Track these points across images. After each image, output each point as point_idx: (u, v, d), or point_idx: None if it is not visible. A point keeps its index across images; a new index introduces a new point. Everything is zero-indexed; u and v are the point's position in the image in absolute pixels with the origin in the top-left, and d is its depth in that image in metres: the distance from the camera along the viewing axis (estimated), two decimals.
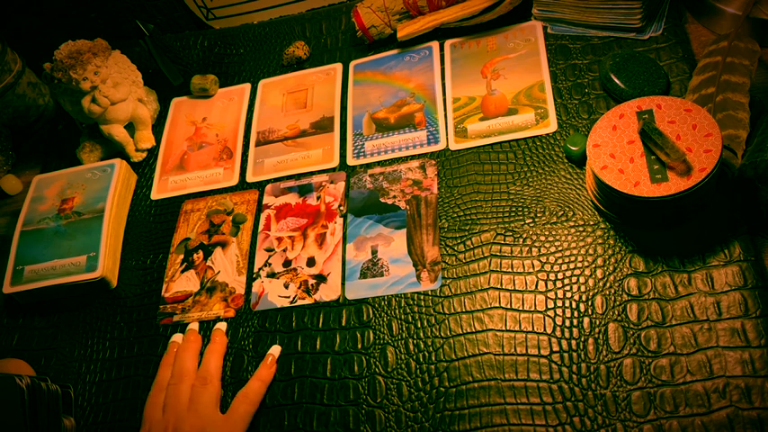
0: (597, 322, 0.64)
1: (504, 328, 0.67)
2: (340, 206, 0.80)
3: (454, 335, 0.68)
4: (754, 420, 0.56)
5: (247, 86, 0.98)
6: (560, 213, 0.71)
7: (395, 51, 0.92)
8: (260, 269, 0.79)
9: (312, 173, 0.85)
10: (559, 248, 0.69)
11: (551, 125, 0.78)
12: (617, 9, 0.80)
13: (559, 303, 0.66)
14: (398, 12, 0.91)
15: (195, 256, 0.82)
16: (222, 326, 0.75)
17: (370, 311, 0.72)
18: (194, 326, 0.76)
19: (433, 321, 0.69)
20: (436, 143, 0.82)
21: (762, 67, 0.74)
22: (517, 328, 0.66)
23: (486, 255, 0.71)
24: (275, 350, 0.72)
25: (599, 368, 0.62)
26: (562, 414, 0.61)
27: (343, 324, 0.72)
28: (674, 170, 0.62)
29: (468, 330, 0.67)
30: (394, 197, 0.79)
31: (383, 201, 0.79)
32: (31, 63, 1.04)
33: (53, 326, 0.83)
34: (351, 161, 0.84)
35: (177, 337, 0.76)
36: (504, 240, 0.72)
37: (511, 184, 0.75)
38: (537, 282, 0.68)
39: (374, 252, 0.75)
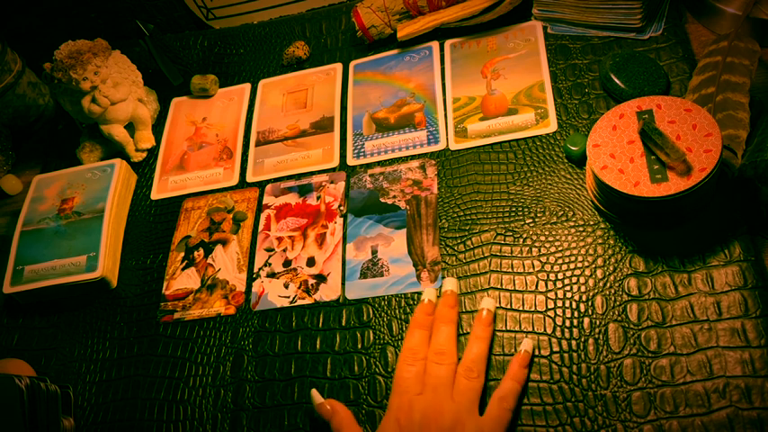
0: (597, 322, 0.64)
1: (504, 329, 0.66)
2: (340, 206, 0.80)
3: None
4: (754, 420, 0.56)
5: (247, 86, 0.98)
6: (560, 213, 0.71)
7: (395, 51, 0.92)
8: (260, 269, 0.79)
9: (312, 173, 0.85)
10: (559, 248, 0.69)
11: (551, 125, 0.78)
12: (617, 9, 0.80)
13: (559, 304, 0.66)
14: (398, 12, 0.91)
15: (196, 253, 0.82)
16: (528, 346, 0.64)
17: (370, 311, 0.72)
18: (455, 287, 0.68)
19: None
20: (436, 143, 0.82)
21: (762, 67, 0.74)
22: (517, 329, 0.66)
23: (486, 255, 0.71)
24: (528, 345, 0.64)
25: (599, 368, 0.62)
26: (562, 414, 0.61)
27: (343, 324, 0.72)
28: (674, 170, 0.62)
29: (469, 331, 0.67)
30: (394, 197, 0.79)
31: (383, 201, 0.79)
32: (31, 63, 1.04)
33: (53, 326, 0.83)
34: (351, 161, 0.84)
35: (432, 295, 0.68)
36: (504, 240, 0.72)
37: (511, 184, 0.75)
38: (537, 282, 0.68)
39: (374, 252, 0.75)
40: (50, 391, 0.71)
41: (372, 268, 0.74)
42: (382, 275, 0.73)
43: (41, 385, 0.70)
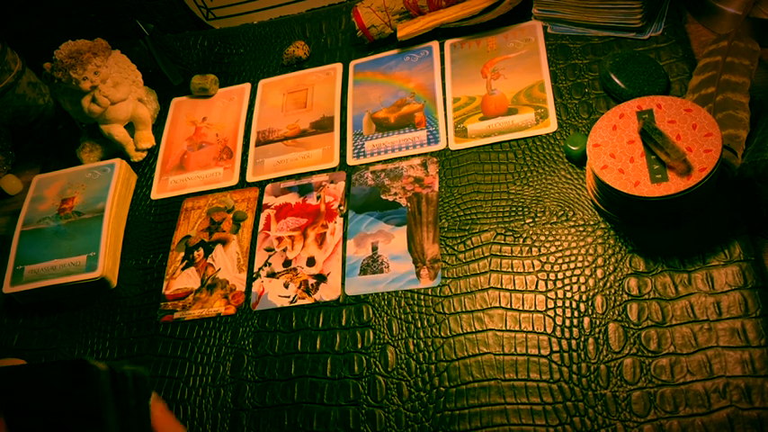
0: (597, 322, 0.64)
1: (504, 328, 0.66)
2: (340, 206, 0.80)
3: (454, 335, 0.68)
4: (754, 420, 0.56)
5: (247, 86, 0.98)
6: (560, 213, 0.71)
7: (395, 51, 0.92)
8: (260, 269, 0.79)
9: (312, 173, 0.85)
10: (559, 248, 0.69)
11: (551, 125, 0.78)
12: (617, 9, 0.80)
13: (559, 303, 0.66)
14: (398, 12, 0.91)
15: (196, 253, 0.82)
16: None
17: (370, 311, 0.72)
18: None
19: (433, 321, 0.69)
20: (436, 143, 0.82)
21: (762, 67, 0.74)
22: (517, 328, 0.66)
23: (486, 255, 0.71)
24: None
25: (599, 368, 0.62)
26: (562, 414, 0.61)
27: (343, 324, 0.72)
28: (674, 170, 0.62)
29: (469, 330, 0.67)
30: (395, 194, 0.79)
31: (384, 198, 0.79)
32: (31, 63, 1.04)
33: (53, 326, 0.83)
34: (351, 161, 0.84)
35: None
36: (505, 240, 0.72)
37: (511, 184, 0.75)
38: (537, 282, 0.68)
39: (374, 248, 0.75)
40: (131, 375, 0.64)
41: (372, 265, 0.74)
42: (382, 272, 0.73)
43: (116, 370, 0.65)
